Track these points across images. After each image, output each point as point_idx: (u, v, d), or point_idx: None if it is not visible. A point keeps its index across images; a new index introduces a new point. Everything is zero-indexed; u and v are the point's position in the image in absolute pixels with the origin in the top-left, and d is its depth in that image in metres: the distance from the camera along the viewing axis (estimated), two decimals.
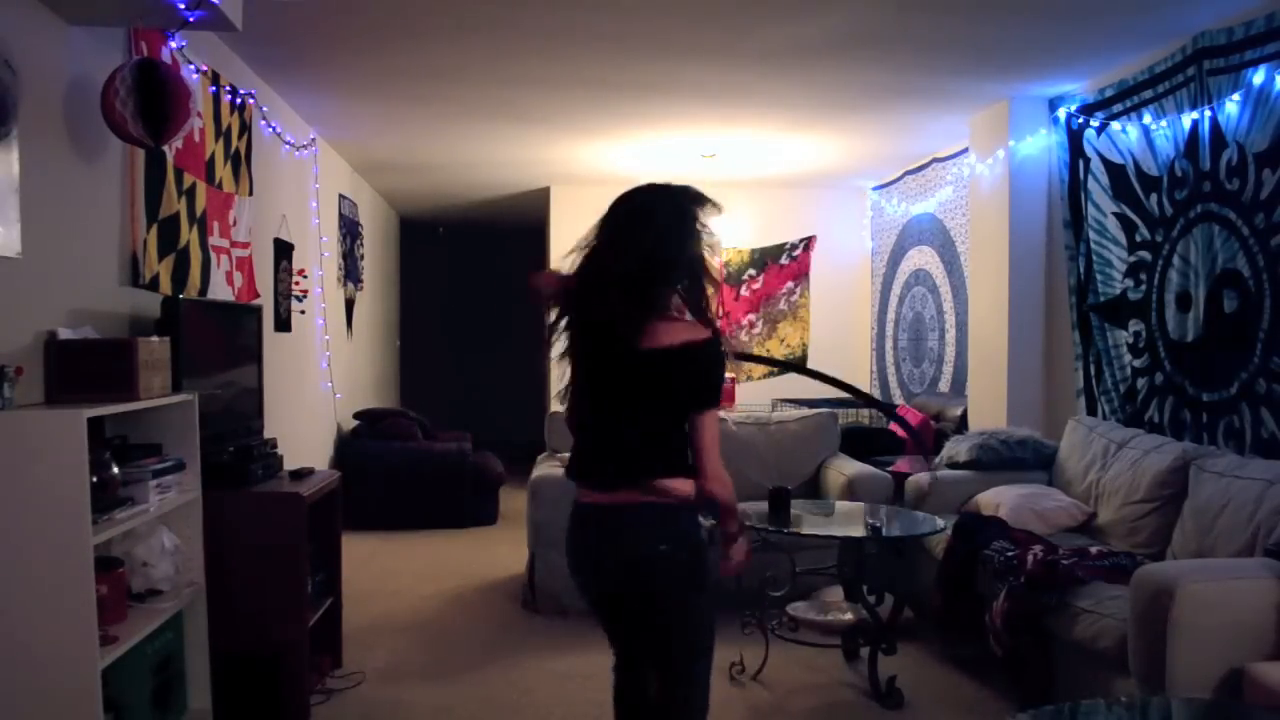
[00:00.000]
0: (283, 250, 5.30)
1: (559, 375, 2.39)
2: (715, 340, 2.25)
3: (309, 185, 6.06)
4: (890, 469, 5.18)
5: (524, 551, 5.11)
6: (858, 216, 8.39)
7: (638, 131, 6.08)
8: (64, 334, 2.78)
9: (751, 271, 8.43)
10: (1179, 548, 3.61)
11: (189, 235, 3.77)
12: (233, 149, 4.30)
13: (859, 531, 3.96)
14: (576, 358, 2.34)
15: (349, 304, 7.45)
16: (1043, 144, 5.27)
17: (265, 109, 4.85)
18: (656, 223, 2.24)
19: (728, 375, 7.88)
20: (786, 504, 4.04)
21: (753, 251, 8.48)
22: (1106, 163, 4.76)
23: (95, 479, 2.48)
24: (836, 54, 4.49)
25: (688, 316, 2.26)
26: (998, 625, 3.48)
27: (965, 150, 6.09)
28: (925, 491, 4.62)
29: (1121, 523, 3.97)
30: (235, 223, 4.32)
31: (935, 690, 3.79)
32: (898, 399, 7.50)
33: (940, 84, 5.06)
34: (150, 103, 2.99)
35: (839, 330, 8.47)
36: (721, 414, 5.44)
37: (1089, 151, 4.90)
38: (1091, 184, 4.88)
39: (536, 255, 9.86)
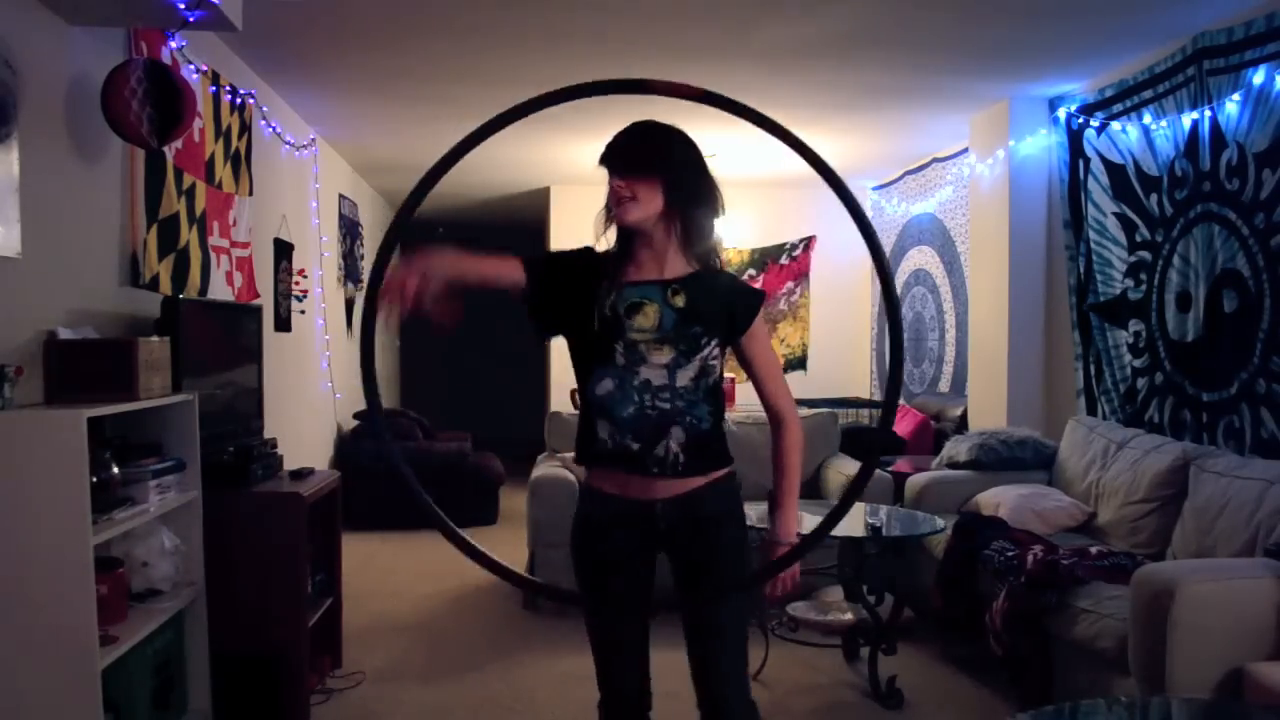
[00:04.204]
0: (283, 250, 5.30)
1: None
2: None
3: (309, 185, 6.06)
4: (890, 469, 5.18)
5: (524, 551, 5.10)
6: None
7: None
8: (64, 334, 2.78)
9: (751, 271, 8.43)
10: (1179, 548, 3.62)
11: (189, 235, 3.77)
12: (233, 149, 4.30)
13: (859, 531, 3.96)
14: None
15: (349, 304, 7.45)
16: (1043, 144, 5.27)
17: (265, 109, 4.85)
18: None
19: (727, 375, 7.91)
20: None
21: (753, 251, 8.48)
22: (1106, 163, 4.76)
23: (95, 479, 2.48)
24: (836, 54, 4.49)
25: None
26: (998, 625, 3.48)
27: (965, 150, 6.09)
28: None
29: (1121, 523, 3.97)
30: (235, 223, 4.32)
31: (935, 690, 3.78)
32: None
33: (940, 84, 5.06)
34: (160, 105, 3.00)
35: (839, 330, 8.46)
36: None
37: (1089, 151, 4.90)
38: (1091, 184, 4.88)
39: None
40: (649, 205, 2.07)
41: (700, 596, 2.19)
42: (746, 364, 2.20)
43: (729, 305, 2.14)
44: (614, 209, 2.09)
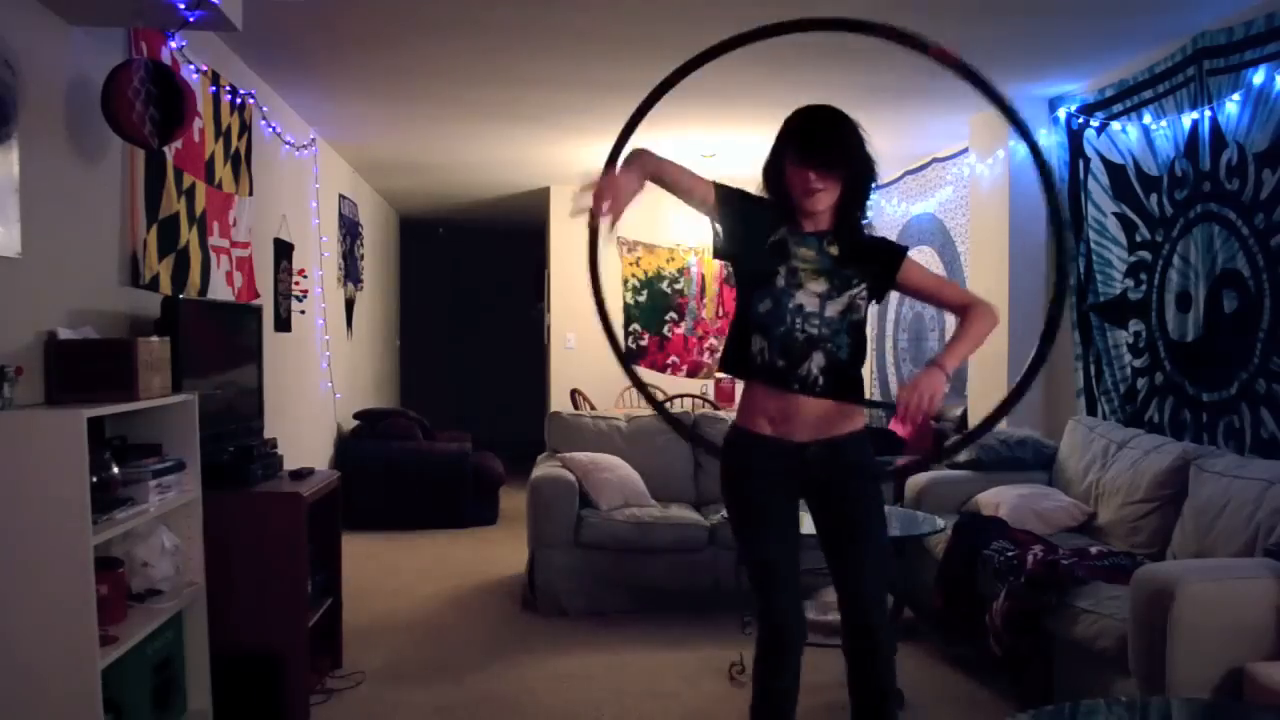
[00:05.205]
0: (283, 250, 5.30)
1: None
2: None
3: (309, 185, 6.06)
4: (890, 469, 5.17)
5: (524, 551, 5.11)
6: None
7: (638, 131, 6.07)
8: (64, 334, 2.78)
9: None
10: (1179, 548, 3.61)
11: (189, 235, 3.77)
12: (233, 149, 4.30)
13: None
14: None
15: (349, 304, 7.45)
16: (1042, 144, 5.26)
17: (265, 109, 4.85)
18: None
19: (726, 376, 7.91)
20: None
21: None
22: (1106, 163, 4.76)
23: (95, 479, 2.48)
24: (836, 54, 4.49)
25: None
26: (998, 625, 3.48)
27: (965, 150, 6.09)
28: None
29: (1121, 523, 3.97)
30: (235, 223, 4.32)
31: (935, 690, 3.78)
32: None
33: (940, 84, 5.04)
34: (161, 105, 3.01)
35: None
36: (721, 414, 5.44)
37: (1089, 151, 4.90)
38: (1091, 184, 4.88)
39: (536, 255, 9.87)
40: (833, 194, 2.36)
41: (854, 537, 2.41)
42: (916, 293, 2.53)
43: (875, 258, 2.43)
44: (803, 196, 2.34)
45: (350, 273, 7.45)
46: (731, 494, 2.47)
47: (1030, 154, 2.34)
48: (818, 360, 2.35)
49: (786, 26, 2.28)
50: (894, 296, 7.64)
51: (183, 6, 2.90)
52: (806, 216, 2.40)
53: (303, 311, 5.73)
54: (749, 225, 2.41)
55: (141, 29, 3.29)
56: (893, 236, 7.75)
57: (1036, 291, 5.34)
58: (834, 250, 2.38)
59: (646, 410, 6.88)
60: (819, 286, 2.35)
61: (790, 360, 2.34)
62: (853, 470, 2.43)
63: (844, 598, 2.42)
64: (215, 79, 4.03)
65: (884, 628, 2.41)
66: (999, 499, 4.28)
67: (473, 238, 11.17)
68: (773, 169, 2.42)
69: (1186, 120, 4.15)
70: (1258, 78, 3.73)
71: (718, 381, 7.84)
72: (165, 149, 3.41)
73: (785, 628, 2.43)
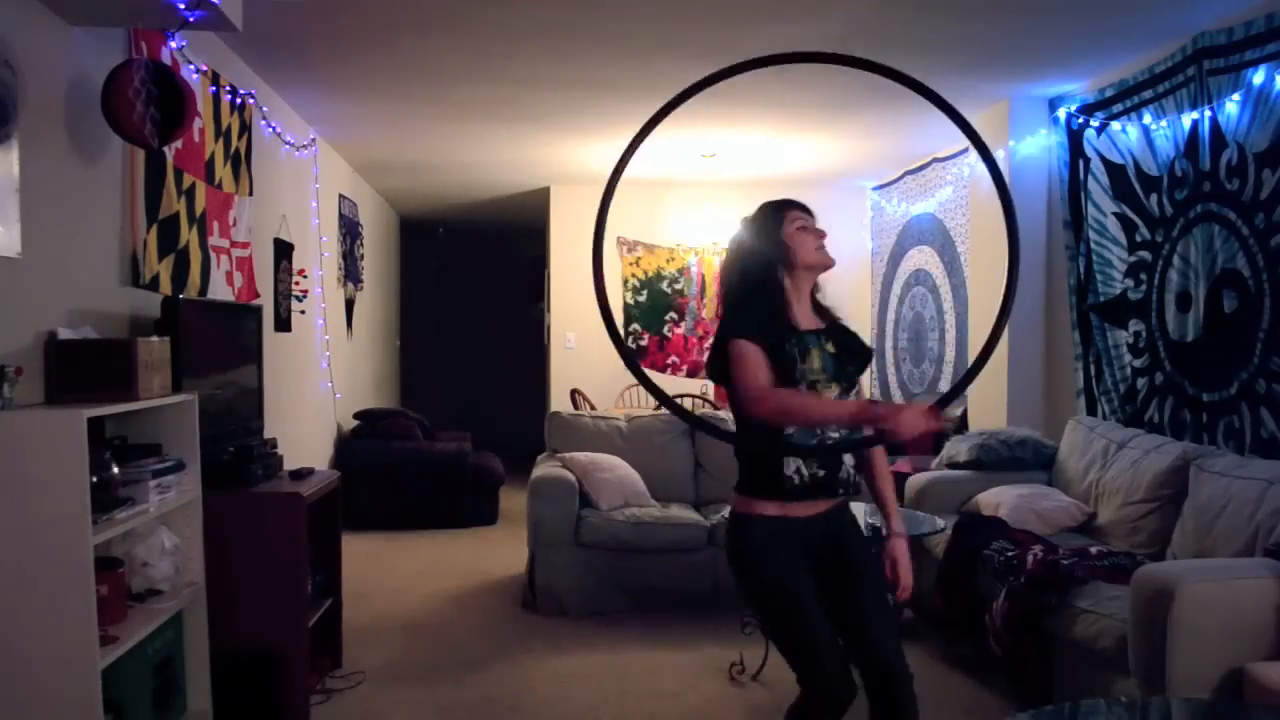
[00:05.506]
0: (283, 250, 5.30)
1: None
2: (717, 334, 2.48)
3: (309, 185, 6.06)
4: (890, 469, 5.18)
5: (524, 551, 5.11)
6: (858, 216, 8.39)
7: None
8: (64, 334, 2.78)
9: None
10: (1179, 548, 3.62)
11: (189, 235, 3.77)
12: (232, 149, 4.30)
13: None
14: None
15: (349, 304, 7.44)
16: (1043, 144, 5.27)
17: (265, 109, 4.85)
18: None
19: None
20: None
21: None
22: (1106, 163, 4.76)
23: (95, 479, 2.48)
24: None
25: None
26: (998, 625, 3.48)
27: (965, 150, 6.09)
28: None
29: (1121, 523, 3.97)
30: (235, 223, 4.32)
31: (935, 690, 3.78)
32: (898, 399, 7.50)
33: (940, 84, 5.00)
34: (162, 105, 3.01)
35: None
36: (721, 414, 5.42)
37: (1089, 151, 4.90)
38: (1091, 184, 4.89)
39: (536, 255, 9.87)
40: None
41: (857, 590, 2.42)
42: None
43: (857, 354, 2.49)
44: (817, 251, 2.46)
45: (350, 273, 7.45)
46: (751, 580, 2.42)
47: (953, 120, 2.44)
48: (848, 461, 2.44)
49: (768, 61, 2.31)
50: (894, 297, 7.69)
51: (183, 6, 2.90)
52: (794, 298, 2.45)
53: (303, 311, 5.73)
54: (768, 354, 2.36)
55: (141, 29, 3.29)
56: (893, 237, 7.77)
57: (1037, 292, 5.35)
58: (831, 348, 2.42)
59: (647, 410, 6.89)
60: (832, 394, 2.39)
61: (829, 469, 2.38)
62: (850, 527, 2.50)
63: (861, 650, 2.39)
64: (215, 79, 4.03)
65: (905, 672, 2.37)
66: (999, 499, 4.28)
67: (473, 238, 11.17)
68: (765, 257, 2.48)
69: (1186, 120, 4.15)
70: (1258, 78, 3.73)
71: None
72: (165, 149, 3.41)
73: (840, 691, 2.38)
